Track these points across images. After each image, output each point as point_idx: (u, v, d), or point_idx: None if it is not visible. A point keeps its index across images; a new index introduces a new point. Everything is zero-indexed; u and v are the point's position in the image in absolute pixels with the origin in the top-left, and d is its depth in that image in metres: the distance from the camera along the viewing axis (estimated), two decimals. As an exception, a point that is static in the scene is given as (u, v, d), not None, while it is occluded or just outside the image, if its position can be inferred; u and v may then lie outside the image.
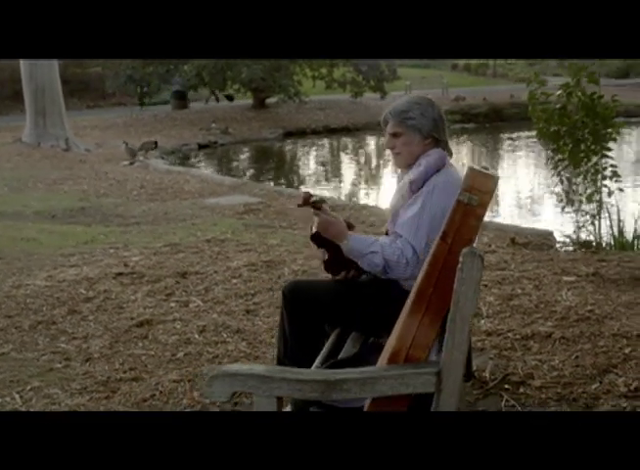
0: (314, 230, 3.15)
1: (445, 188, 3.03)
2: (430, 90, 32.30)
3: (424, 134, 3.14)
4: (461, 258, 1.96)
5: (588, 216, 7.59)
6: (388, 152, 3.40)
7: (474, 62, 42.93)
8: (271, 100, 27.92)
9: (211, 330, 4.71)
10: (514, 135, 23.96)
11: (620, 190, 7.76)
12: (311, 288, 3.32)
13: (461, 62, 43.55)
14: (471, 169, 2.05)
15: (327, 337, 3.32)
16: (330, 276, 3.48)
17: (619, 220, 7.43)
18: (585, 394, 3.46)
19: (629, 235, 7.44)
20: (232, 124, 24.50)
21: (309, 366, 2.86)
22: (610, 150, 7.54)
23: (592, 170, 7.54)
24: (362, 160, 21.71)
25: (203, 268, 6.24)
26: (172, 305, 5.28)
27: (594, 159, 7.54)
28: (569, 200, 7.76)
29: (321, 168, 19.75)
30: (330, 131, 25.46)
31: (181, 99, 28.72)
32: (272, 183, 15.54)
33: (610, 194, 7.62)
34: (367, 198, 14.57)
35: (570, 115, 7.31)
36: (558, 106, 7.31)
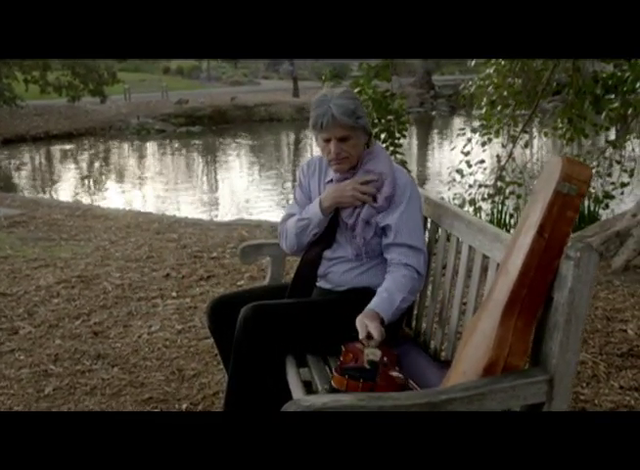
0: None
1: (414, 183, 2.90)
2: (150, 93, 31.86)
3: (367, 132, 2.87)
4: (577, 254, 1.79)
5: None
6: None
7: (187, 65, 42.68)
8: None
9: (67, 358, 4.14)
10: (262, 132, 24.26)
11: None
12: (278, 312, 2.78)
13: (173, 65, 43.09)
14: (565, 158, 1.88)
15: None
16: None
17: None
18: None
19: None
20: (-62, 135, 22.43)
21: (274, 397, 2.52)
22: (400, 146, 7.74)
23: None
24: (88, 165, 20.66)
25: (8, 289, 5.52)
26: (-3, 334, 4.59)
27: (386, 155, 7.70)
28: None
29: (47, 176, 18.59)
30: (52, 137, 24.04)
31: None
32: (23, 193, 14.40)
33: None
34: (93, 199, 14.35)
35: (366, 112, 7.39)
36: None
